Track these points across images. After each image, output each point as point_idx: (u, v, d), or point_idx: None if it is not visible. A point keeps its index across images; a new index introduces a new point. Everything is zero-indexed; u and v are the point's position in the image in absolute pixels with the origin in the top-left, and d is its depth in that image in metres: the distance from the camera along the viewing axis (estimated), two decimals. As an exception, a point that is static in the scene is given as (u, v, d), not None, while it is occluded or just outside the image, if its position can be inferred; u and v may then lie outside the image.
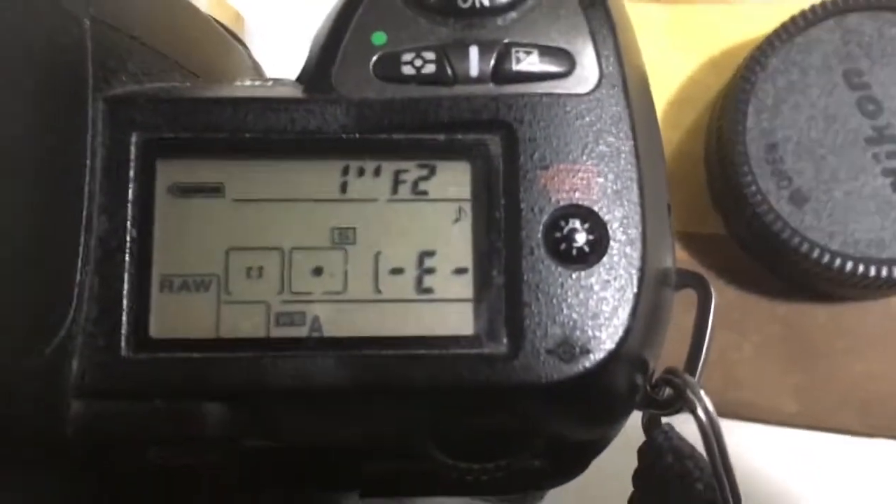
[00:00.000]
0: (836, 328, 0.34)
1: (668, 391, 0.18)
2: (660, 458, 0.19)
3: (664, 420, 0.20)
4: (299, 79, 0.20)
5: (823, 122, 0.32)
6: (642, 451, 0.20)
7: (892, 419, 0.33)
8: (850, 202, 0.31)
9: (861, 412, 0.34)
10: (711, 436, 0.17)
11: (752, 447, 0.33)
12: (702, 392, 0.17)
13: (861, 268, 0.30)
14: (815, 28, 0.32)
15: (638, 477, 0.20)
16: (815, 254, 0.31)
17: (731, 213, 0.34)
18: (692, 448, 0.19)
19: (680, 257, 0.34)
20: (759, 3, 0.35)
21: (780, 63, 0.32)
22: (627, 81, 0.18)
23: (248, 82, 0.20)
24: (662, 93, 0.35)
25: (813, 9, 0.32)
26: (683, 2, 0.36)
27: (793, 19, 0.32)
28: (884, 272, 0.30)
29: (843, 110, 0.32)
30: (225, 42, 0.23)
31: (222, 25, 0.24)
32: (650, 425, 0.20)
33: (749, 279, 0.34)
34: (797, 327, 0.34)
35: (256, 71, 0.25)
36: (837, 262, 0.31)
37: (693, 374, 0.18)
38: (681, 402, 0.18)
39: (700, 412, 0.17)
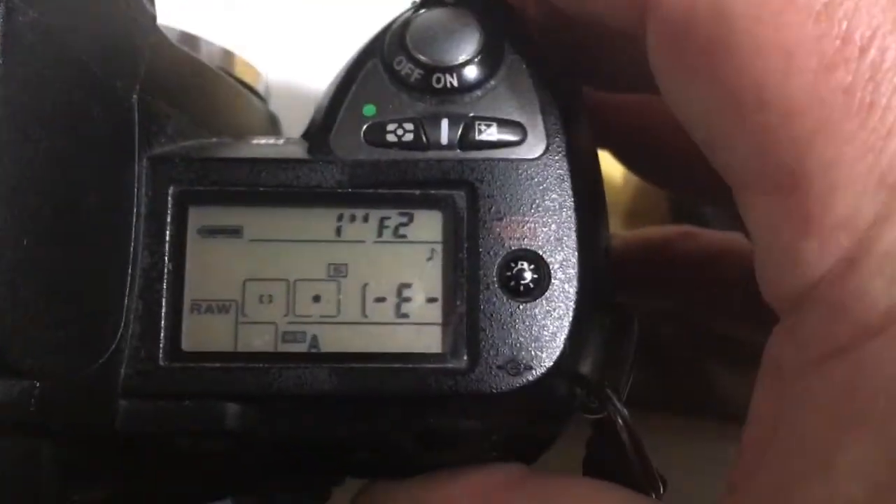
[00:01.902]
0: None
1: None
2: (601, 450, 0.23)
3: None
4: (304, 135, 0.24)
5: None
6: (588, 446, 0.24)
7: None
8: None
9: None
10: (625, 432, 0.21)
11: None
12: (619, 404, 0.21)
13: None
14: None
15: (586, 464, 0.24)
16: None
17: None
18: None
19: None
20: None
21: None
22: (570, 148, 0.22)
23: (262, 140, 0.24)
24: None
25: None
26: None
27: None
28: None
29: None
30: (246, 100, 0.28)
31: (245, 84, 0.28)
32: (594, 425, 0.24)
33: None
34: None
35: (272, 122, 0.29)
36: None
37: (617, 388, 0.22)
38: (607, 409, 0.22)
39: (619, 419, 0.22)
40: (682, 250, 0.32)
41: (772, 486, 0.18)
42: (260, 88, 0.29)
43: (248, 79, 0.28)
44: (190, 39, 0.26)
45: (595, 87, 0.26)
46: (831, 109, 0.17)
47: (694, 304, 0.32)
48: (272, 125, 0.30)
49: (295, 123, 0.31)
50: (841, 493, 0.16)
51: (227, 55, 0.28)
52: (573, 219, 0.22)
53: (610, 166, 0.31)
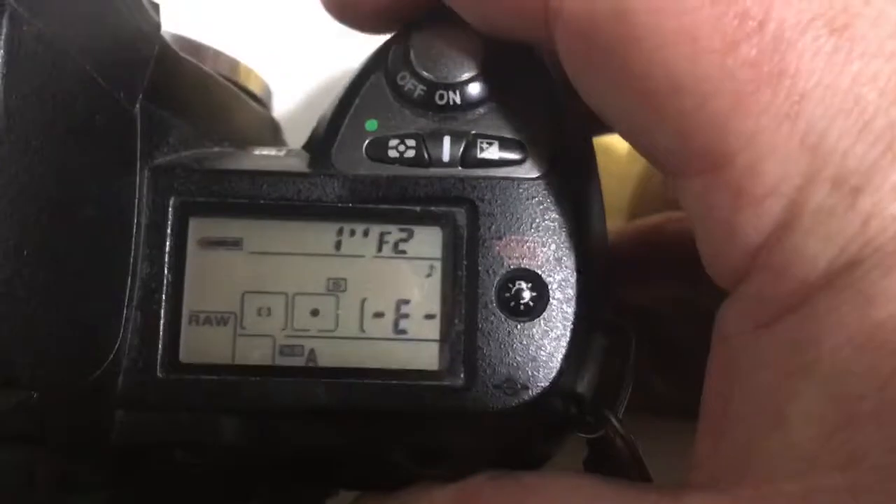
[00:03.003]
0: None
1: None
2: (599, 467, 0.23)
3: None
4: (306, 146, 0.24)
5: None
6: (586, 463, 0.24)
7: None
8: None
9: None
10: (626, 450, 0.21)
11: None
12: (617, 424, 0.21)
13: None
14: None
15: None
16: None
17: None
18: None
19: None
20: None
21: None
22: (571, 168, 0.22)
23: (264, 152, 0.24)
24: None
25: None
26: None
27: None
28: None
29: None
30: (249, 108, 0.28)
31: (249, 92, 0.28)
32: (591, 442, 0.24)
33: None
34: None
35: (274, 130, 0.29)
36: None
37: (614, 408, 0.22)
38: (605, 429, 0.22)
39: (618, 440, 0.22)
40: (674, 232, 0.32)
41: (733, 450, 0.18)
42: (262, 95, 0.29)
43: (251, 86, 0.28)
44: (193, 47, 0.26)
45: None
46: (742, 84, 0.17)
47: (700, 287, 0.31)
48: (274, 132, 0.30)
49: (297, 127, 0.31)
50: (795, 440, 0.17)
51: (231, 63, 0.28)
52: (573, 239, 0.22)
53: (617, 141, 0.31)
